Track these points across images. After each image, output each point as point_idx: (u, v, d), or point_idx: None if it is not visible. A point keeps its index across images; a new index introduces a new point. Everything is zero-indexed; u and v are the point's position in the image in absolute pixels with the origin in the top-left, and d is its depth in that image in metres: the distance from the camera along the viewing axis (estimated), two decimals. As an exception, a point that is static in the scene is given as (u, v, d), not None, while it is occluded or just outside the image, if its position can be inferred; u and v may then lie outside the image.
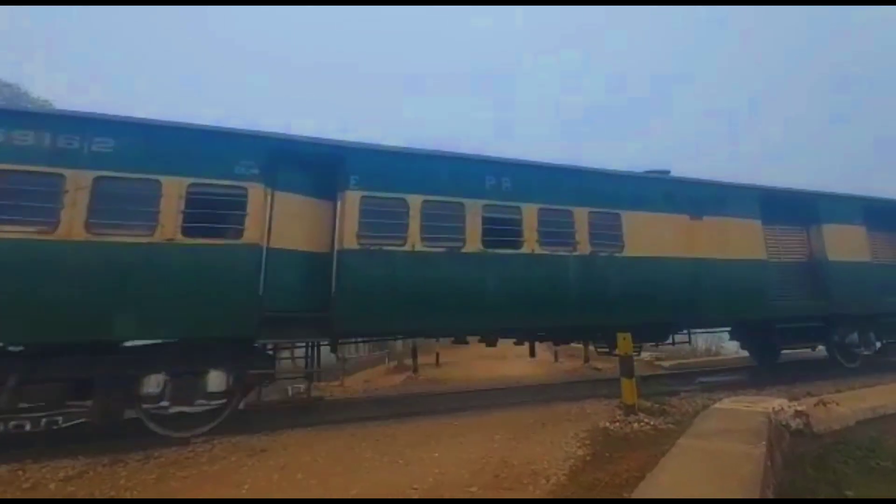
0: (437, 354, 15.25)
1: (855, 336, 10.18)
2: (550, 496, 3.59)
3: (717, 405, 5.45)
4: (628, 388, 6.00)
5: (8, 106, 6.36)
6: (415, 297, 6.43)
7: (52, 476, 4.35)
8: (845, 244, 10.12)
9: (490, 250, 7.01)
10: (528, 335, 8.33)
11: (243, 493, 3.83)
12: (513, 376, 11.97)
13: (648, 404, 6.25)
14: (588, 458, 4.43)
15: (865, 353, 10.33)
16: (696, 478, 3.10)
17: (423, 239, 6.67)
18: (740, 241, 9.06)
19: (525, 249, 7.26)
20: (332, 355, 8.02)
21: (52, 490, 4.07)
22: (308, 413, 6.79)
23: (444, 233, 6.84)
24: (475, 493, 3.68)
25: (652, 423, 5.50)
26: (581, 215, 7.81)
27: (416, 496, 3.65)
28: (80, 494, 3.93)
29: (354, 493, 3.75)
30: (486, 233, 7.04)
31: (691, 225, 8.69)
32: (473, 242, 6.94)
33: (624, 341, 6.19)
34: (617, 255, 7.94)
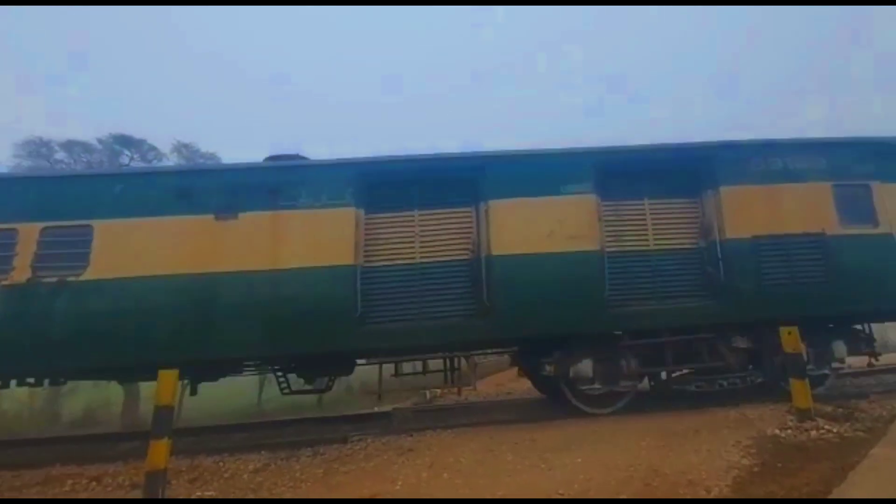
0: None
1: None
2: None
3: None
4: (800, 389, 5.22)
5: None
6: None
7: (244, 468, 5.17)
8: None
9: None
10: None
11: (397, 489, 4.15)
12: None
13: (829, 408, 5.38)
14: (755, 468, 3.95)
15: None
16: (906, 497, 2.59)
17: None
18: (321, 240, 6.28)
19: None
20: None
21: (245, 480, 4.83)
22: (448, 416, 7.10)
23: None
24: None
25: (835, 430, 4.71)
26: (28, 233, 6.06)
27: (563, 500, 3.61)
28: (267, 484, 4.59)
29: (500, 494, 3.83)
30: None
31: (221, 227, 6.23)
32: None
33: (790, 336, 5.41)
34: (73, 279, 5.92)
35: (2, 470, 5.46)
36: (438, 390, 10.72)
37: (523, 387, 11.54)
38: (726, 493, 3.49)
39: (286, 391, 6.78)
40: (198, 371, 6.53)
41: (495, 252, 6.37)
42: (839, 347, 6.78)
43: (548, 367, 6.66)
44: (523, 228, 6.49)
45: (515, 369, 14.37)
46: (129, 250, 6.05)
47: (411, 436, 5.95)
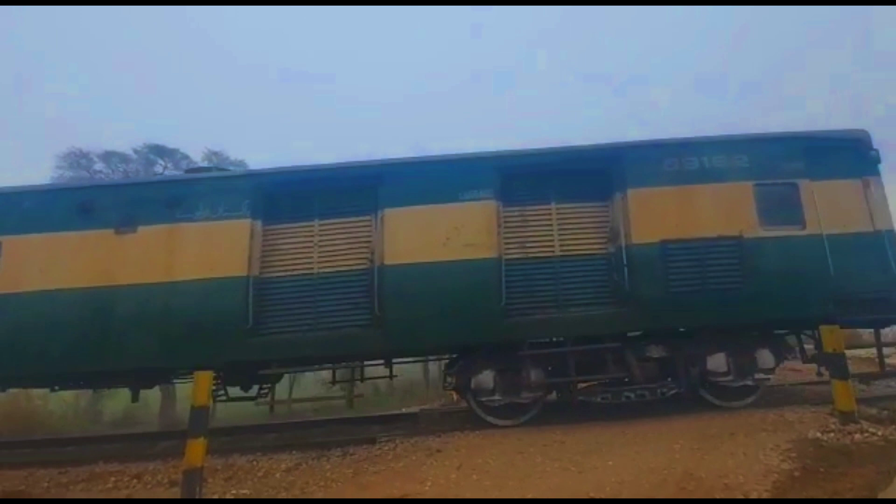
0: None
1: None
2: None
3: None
4: (843, 391, 5.01)
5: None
6: None
7: (276, 467, 5.28)
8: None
9: None
10: None
11: (427, 489, 4.17)
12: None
13: (874, 411, 5.15)
14: (796, 473, 3.82)
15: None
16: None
17: None
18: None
19: None
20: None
21: (277, 479, 4.93)
22: (475, 417, 7.07)
23: None
24: (659, 504, 3.45)
25: (880, 432, 4.51)
26: None
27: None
28: (299, 483, 4.68)
29: (530, 496, 3.81)
30: None
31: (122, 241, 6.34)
32: None
33: (831, 335, 5.21)
34: None
35: (50, 467, 5.73)
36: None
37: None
38: (766, 498, 3.38)
39: (223, 399, 6.82)
40: (138, 380, 6.82)
41: (388, 261, 6.27)
42: (765, 357, 6.29)
43: (449, 379, 6.57)
44: (418, 236, 6.34)
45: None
46: (34, 265, 6.25)
47: (439, 436, 5.97)
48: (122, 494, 4.86)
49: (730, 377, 6.23)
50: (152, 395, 18.34)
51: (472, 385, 6.30)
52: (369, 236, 6.51)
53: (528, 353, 6.19)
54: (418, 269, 6.24)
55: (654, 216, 6.36)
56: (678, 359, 6.31)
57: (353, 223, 6.61)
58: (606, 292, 6.37)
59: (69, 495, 4.91)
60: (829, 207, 6.37)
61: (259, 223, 6.48)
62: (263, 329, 6.22)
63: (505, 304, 6.18)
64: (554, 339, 6.41)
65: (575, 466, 4.42)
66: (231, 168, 21.42)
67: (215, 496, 4.20)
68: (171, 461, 5.69)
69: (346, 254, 6.51)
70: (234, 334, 6.06)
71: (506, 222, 6.51)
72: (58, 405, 15.41)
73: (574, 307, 6.30)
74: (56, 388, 7.15)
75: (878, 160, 6.62)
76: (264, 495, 4.45)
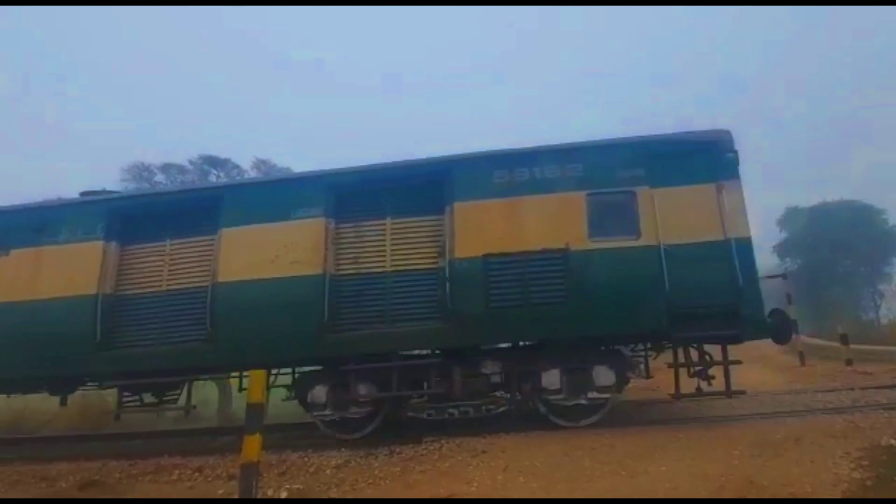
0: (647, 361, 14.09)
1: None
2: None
3: None
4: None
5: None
6: None
7: (327, 464, 5.42)
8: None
9: None
10: None
11: (473, 490, 4.18)
12: (744, 384, 10.28)
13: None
14: (868, 482, 3.57)
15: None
16: None
17: None
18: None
19: None
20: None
21: (328, 475, 5.07)
22: (519, 419, 7.02)
23: None
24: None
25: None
26: None
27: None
28: (349, 480, 4.80)
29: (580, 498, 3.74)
30: None
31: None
32: None
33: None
34: None
35: (121, 459, 6.14)
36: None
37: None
38: (777, 498, 3.17)
39: (138, 406, 7.31)
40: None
41: (220, 279, 6.49)
42: (602, 374, 5.98)
43: (287, 392, 6.75)
44: (249, 255, 6.50)
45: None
46: None
47: (484, 437, 5.94)
48: (185, 486, 5.14)
49: (562, 396, 6.00)
50: (212, 393, 19.33)
51: (308, 399, 6.41)
52: (210, 255, 6.77)
53: (352, 368, 6.21)
54: (246, 286, 6.44)
55: (479, 230, 6.23)
56: (511, 375, 6.22)
57: (197, 243, 6.94)
58: (434, 308, 6.25)
59: (138, 486, 5.25)
60: (672, 216, 5.98)
61: (113, 244, 6.96)
62: (113, 344, 6.64)
63: (328, 320, 6.21)
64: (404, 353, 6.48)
65: (625, 470, 4.30)
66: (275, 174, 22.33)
67: (270, 490, 4.37)
68: (230, 455, 5.97)
69: (192, 272, 6.84)
70: (83, 348, 6.51)
71: (339, 239, 6.60)
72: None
73: (402, 322, 6.26)
74: None
75: (735, 163, 6.14)
76: (316, 490, 4.59)
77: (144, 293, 6.87)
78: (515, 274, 6.07)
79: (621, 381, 6.27)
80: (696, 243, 5.93)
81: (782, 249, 32.87)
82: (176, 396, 7.42)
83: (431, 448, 5.64)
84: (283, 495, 4.30)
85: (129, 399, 7.27)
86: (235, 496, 4.15)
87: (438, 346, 6.38)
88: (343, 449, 6.04)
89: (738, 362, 6.21)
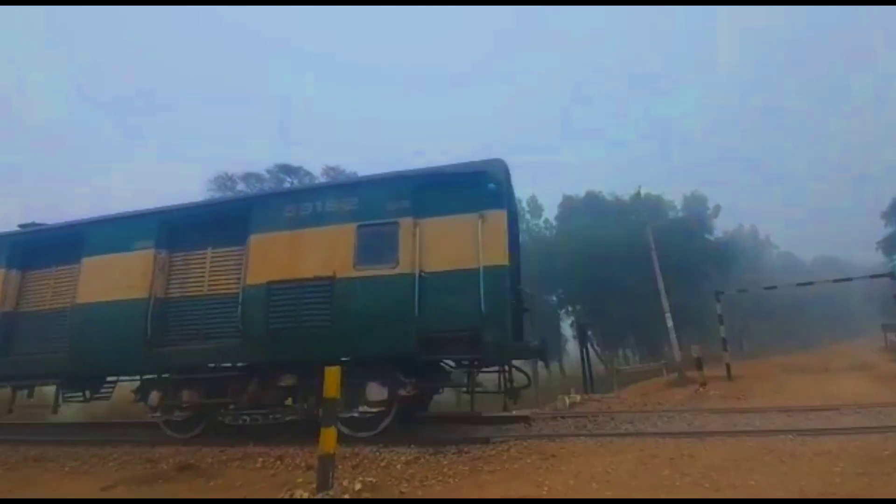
0: (728, 366, 13.15)
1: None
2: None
3: None
4: None
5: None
6: None
7: (397, 459, 5.56)
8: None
9: None
10: None
11: (544, 493, 4.10)
12: (843, 395, 9.29)
13: None
14: None
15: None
16: None
17: None
18: None
19: None
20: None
21: (399, 470, 5.18)
22: (590, 424, 6.82)
23: None
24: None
25: None
26: None
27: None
28: (419, 476, 4.88)
29: (657, 510, 3.56)
30: None
31: None
32: None
33: None
34: None
35: (213, 446, 6.67)
36: (578, 396, 10.36)
37: (675, 397, 10.57)
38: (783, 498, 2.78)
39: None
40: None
41: (78, 300, 7.73)
42: (374, 390, 6.38)
43: (135, 395, 7.74)
44: (99, 280, 7.65)
45: (663, 378, 13.32)
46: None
47: (554, 441, 5.85)
48: (268, 474, 5.47)
49: (339, 410, 6.02)
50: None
51: (148, 402, 7.43)
52: (74, 281, 7.97)
53: (172, 378, 7.36)
54: (92, 307, 7.58)
55: (266, 260, 6.92)
56: (300, 388, 6.77)
57: (65, 271, 8.25)
58: (233, 327, 6.93)
59: (227, 471, 5.65)
60: (432, 245, 6.33)
61: (13, 272, 8.49)
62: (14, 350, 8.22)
63: (151, 337, 7.18)
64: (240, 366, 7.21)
65: (709, 483, 4.03)
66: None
67: (345, 481, 4.54)
68: (307, 447, 6.29)
69: (62, 295, 8.13)
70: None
71: (171, 266, 7.65)
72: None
73: (212, 339, 7.12)
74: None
75: (498, 193, 6.36)
76: (387, 484, 4.71)
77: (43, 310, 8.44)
78: (292, 299, 6.64)
79: (394, 398, 6.44)
80: (450, 271, 6.23)
81: (888, 245, 29.45)
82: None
83: (500, 449, 5.62)
84: (358, 487, 4.45)
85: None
86: (313, 485, 4.36)
87: (236, 361, 7.17)
88: (412, 446, 6.17)
89: (518, 388, 6.70)
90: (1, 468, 6.26)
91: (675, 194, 40.52)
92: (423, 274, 6.24)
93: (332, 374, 4.77)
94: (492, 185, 6.35)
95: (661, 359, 19.91)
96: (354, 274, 6.51)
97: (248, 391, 6.94)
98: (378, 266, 6.47)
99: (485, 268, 6.06)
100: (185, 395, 7.23)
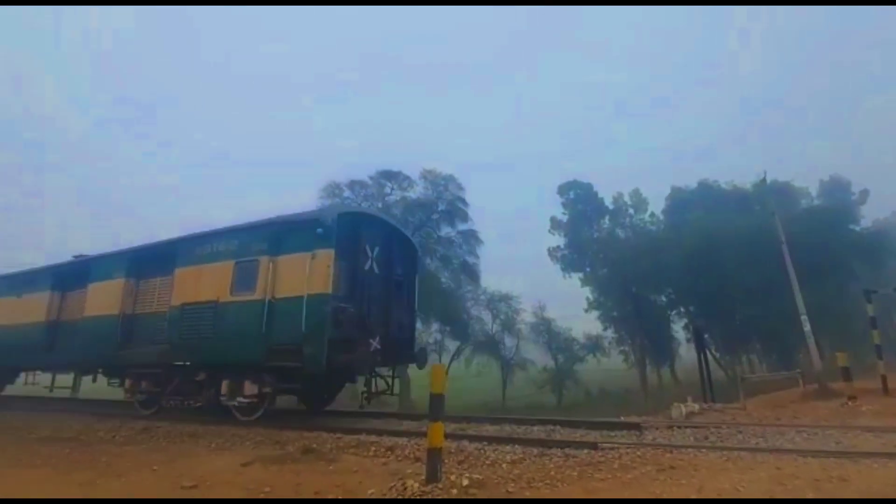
0: (884, 378, 11.18)
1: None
2: None
3: None
4: None
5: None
6: None
7: (502, 458, 5.56)
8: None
9: None
10: None
11: (662, 508, 3.83)
12: None
13: None
14: None
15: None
16: None
17: None
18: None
19: None
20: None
21: (504, 469, 5.16)
22: (712, 436, 6.25)
23: None
24: None
25: None
26: None
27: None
28: (525, 477, 4.82)
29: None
30: None
31: None
32: None
33: None
34: None
35: (331, 432, 7.22)
36: (696, 406, 9.52)
37: (816, 412, 9.27)
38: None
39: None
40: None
41: (87, 313, 10.97)
42: (247, 387, 8.22)
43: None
44: (94, 300, 10.87)
45: (799, 389, 11.80)
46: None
47: (671, 452, 5.44)
48: (380, 462, 5.79)
49: (223, 396, 8.43)
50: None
51: (125, 387, 10.19)
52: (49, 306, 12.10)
53: (131, 371, 10.03)
54: (92, 319, 10.74)
55: (183, 287, 9.27)
56: (207, 382, 8.73)
57: (32, 300, 12.51)
58: (165, 336, 9.33)
59: (344, 457, 6.06)
60: (281, 277, 8.05)
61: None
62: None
63: (120, 342, 10.03)
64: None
65: (868, 513, 3.47)
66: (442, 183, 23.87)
67: (453, 476, 4.64)
68: (414, 439, 6.56)
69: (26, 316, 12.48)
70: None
71: (140, 290, 10.47)
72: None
73: (153, 345, 9.51)
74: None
75: (325, 236, 7.82)
76: (494, 482, 4.72)
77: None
78: (195, 317, 8.91)
79: (264, 393, 8.25)
80: (288, 297, 7.91)
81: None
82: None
83: (609, 455, 5.37)
84: (465, 482, 4.52)
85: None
86: (422, 476, 4.53)
87: (168, 361, 9.16)
88: (516, 445, 6.14)
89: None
90: (164, 440, 7.39)
91: (808, 180, 35.49)
92: (271, 300, 8.06)
93: (439, 373, 4.92)
94: (320, 230, 7.93)
95: (795, 367, 17.56)
96: (230, 299, 8.59)
97: (174, 383, 9.25)
98: (244, 293, 8.42)
99: (309, 295, 7.65)
100: (143, 384, 9.86)
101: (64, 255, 13.41)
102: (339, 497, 4.41)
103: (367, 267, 8.57)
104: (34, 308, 12.07)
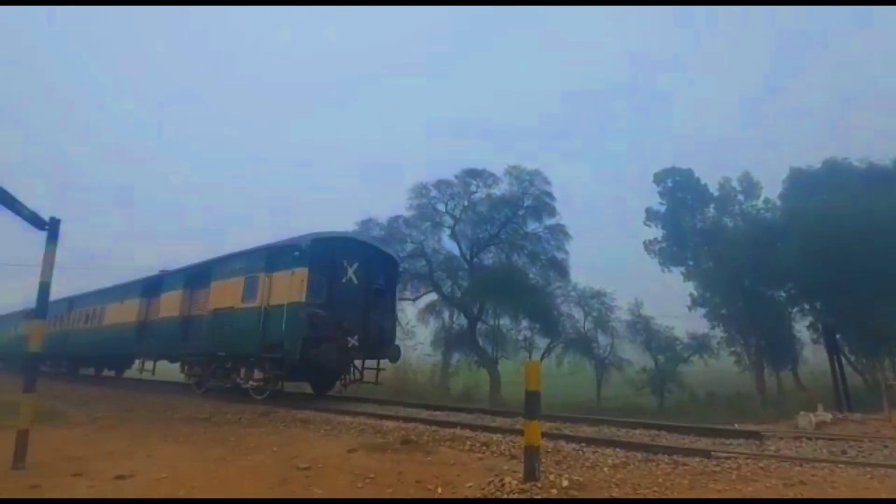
0: None
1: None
2: None
3: None
4: None
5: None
6: None
7: (603, 461, 5.35)
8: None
9: None
10: None
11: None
12: None
13: None
14: None
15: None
16: None
17: None
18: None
19: None
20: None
21: (606, 472, 4.96)
22: (852, 450, 5.48)
23: None
24: None
25: None
26: None
27: None
28: (630, 482, 4.58)
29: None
30: None
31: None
32: None
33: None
34: None
35: (426, 424, 7.45)
36: (828, 415, 8.40)
37: None
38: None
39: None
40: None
41: (151, 317, 15.16)
42: (256, 373, 10.82)
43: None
44: (167, 305, 14.21)
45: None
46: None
47: (800, 465, 4.87)
48: (475, 457, 5.83)
49: (240, 379, 11.21)
50: (482, 377, 21.71)
51: (184, 372, 13.84)
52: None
53: (192, 359, 13.34)
54: (162, 320, 14.28)
55: (215, 296, 12.15)
56: (233, 369, 11.51)
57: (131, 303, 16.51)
58: (205, 333, 12.22)
59: (440, 449, 6.21)
60: (273, 290, 10.61)
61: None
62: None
63: (180, 336, 13.15)
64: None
65: None
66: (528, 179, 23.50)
67: (552, 476, 4.54)
68: (508, 436, 6.54)
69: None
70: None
71: (192, 298, 13.56)
72: (423, 378, 20.21)
73: (199, 340, 12.46)
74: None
75: (300, 258, 10.21)
76: (595, 485, 4.54)
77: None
78: (221, 319, 11.63)
79: (270, 378, 10.65)
80: (276, 305, 10.34)
81: None
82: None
83: (726, 466, 4.95)
84: (565, 483, 4.40)
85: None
86: (520, 474, 4.50)
87: (206, 352, 12.18)
88: (617, 448, 5.88)
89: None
90: (281, 424, 8.12)
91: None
92: (266, 307, 10.47)
93: (534, 370, 4.83)
94: (297, 253, 10.27)
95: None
96: (241, 305, 11.18)
97: (212, 367, 12.10)
98: (250, 301, 10.96)
99: (288, 304, 10.01)
100: (196, 369, 12.84)
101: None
102: (440, 488, 4.52)
103: (344, 280, 10.79)
104: (131, 311, 16.13)
